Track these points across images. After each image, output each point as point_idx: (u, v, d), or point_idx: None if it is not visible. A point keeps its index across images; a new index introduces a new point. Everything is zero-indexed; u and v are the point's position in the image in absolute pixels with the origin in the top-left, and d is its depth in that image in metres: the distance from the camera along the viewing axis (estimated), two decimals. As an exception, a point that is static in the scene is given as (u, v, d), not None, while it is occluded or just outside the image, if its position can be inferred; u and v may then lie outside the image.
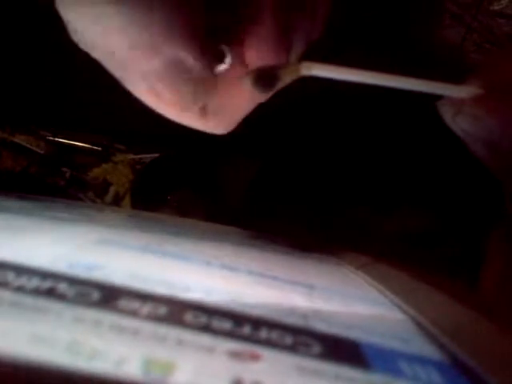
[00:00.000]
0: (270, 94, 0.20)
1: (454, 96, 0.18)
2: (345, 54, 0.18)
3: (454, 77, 0.19)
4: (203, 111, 0.21)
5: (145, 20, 0.17)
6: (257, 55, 0.19)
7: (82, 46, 0.19)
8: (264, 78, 0.18)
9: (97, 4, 0.16)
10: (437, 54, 0.37)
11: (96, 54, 0.19)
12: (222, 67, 0.19)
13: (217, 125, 0.22)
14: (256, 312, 0.12)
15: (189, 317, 0.11)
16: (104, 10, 0.16)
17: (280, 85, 0.18)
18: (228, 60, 0.19)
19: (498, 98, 0.17)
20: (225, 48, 0.19)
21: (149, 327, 0.10)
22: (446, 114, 0.19)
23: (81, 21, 0.18)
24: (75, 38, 0.19)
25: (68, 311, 0.10)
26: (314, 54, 0.19)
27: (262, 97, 0.21)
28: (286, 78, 0.18)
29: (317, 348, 0.11)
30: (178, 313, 0.11)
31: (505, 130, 0.17)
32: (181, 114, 0.21)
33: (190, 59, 0.18)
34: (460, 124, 0.19)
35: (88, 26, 0.18)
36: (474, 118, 0.18)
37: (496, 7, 0.39)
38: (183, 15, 0.17)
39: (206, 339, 0.10)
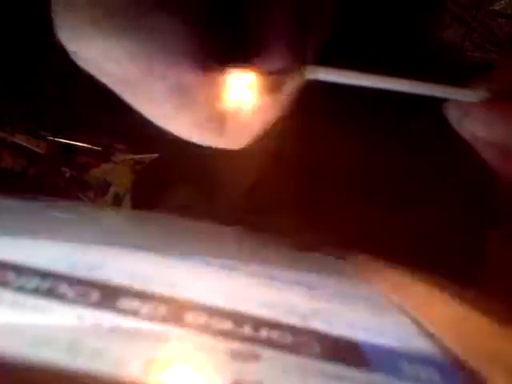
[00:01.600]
0: (287, 105, 0.20)
1: (463, 100, 0.18)
2: (345, 56, 0.18)
3: (456, 77, 0.18)
4: (220, 130, 0.21)
5: (147, 47, 0.17)
6: (273, 60, 0.19)
7: (91, 72, 0.19)
8: (269, 82, 0.18)
9: (103, 35, 0.17)
10: (437, 54, 0.37)
11: (106, 81, 0.19)
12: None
13: (235, 142, 0.22)
14: (256, 312, 0.12)
15: (189, 317, 0.11)
16: (110, 41, 0.17)
17: (286, 90, 0.18)
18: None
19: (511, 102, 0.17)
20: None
21: (149, 327, 0.10)
22: (453, 116, 0.19)
23: (88, 52, 0.18)
24: (81, 64, 0.19)
25: (68, 311, 0.10)
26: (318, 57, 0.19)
27: (280, 110, 0.21)
28: (291, 83, 0.18)
29: (317, 348, 0.11)
30: (178, 313, 0.11)
31: None
32: (197, 135, 0.21)
33: (194, 83, 0.18)
34: (468, 127, 0.18)
35: (95, 57, 0.18)
36: (483, 123, 0.18)
37: (496, 7, 0.39)
38: (184, 39, 0.17)
39: (206, 339, 0.10)
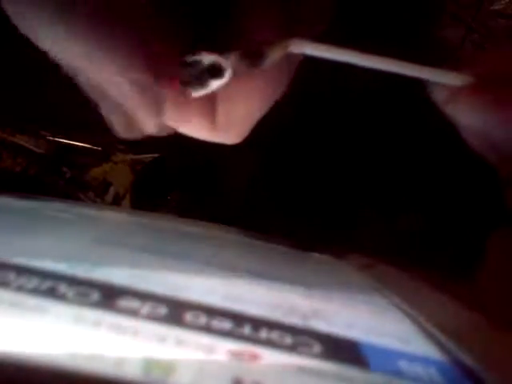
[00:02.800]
0: (281, 90, 0.20)
1: (448, 83, 0.18)
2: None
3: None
4: (211, 124, 0.20)
5: (104, 45, 0.16)
6: (253, 39, 0.18)
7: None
8: (250, 55, 0.17)
9: (59, 33, 0.16)
10: (436, 53, 0.37)
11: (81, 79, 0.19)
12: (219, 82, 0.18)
13: (229, 134, 0.21)
14: (256, 312, 0.12)
15: (189, 317, 0.11)
16: (68, 39, 0.16)
17: (268, 62, 0.17)
18: (227, 73, 0.18)
19: (497, 89, 0.17)
20: (222, 59, 0.18)
21: (149, 327, 0.10)
22: (439, 100, 0.18)
23: (55, 48, 0.17)
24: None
25: (68, 311, 0.10)
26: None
27: (273, 96, 0.20)
28: (274, 55, 0.17)
29: (317, 348, 0.11)
30: (178, 313, 0.11)
31: (503, 125, 0.17)
32: (188, 130, 0.21)
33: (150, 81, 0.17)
34: (454, 113, 0.18)
35: (60, 53, 0.17)
36: (465, 109, 0.18)
37: (496, 7, 0.39)
38: (148, 38, 0.17)
39: (206, 339, 0.10)
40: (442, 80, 0.18)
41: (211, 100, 0.19)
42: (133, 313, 0.10)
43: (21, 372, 0.07)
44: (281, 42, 0.17)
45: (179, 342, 0.09)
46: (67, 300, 0.10)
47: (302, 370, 0.09)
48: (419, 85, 0.18)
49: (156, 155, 0.44)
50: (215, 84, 0.17)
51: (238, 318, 0.11)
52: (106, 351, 0.08)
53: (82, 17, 0.15)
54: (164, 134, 0.20)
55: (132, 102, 0.18)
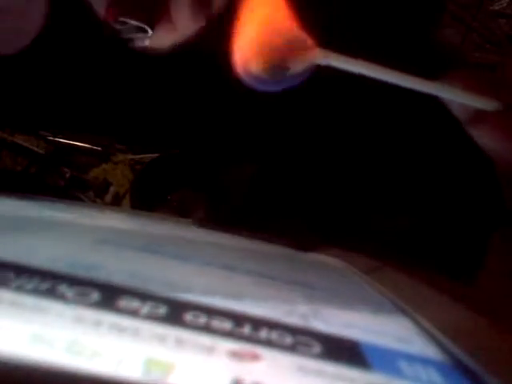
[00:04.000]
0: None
1: (476, 106, 0.18)
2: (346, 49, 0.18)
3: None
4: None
5: None
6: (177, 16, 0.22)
7: None
8: (276, 69, 0.18)
9: None
10: (437, 54, 0.37)
11: None
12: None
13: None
14: (256, 312, 0.12)
15: (189, 317, 0.11)
16: None
17: (294, 71, 0.18)
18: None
19: None
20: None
21: (149, 327, 0.10)
22: (462, 119, 0.18)
23: None
24: None
25: (68, 311, 0.10)
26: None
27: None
28: (299, 65, 0.18)
29: (317, 348, 0.11)
30: (178, 313, 0.11)
31: None
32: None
33: None
34: (477, 134, 0.18)
35: None
36: (493, 135, 0.18)
37: (496, 7, 0.39)
38: None
39: (206, 339, 0.10)
40: (470, 103, 0.18)
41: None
42: (133, 313, 0.10)
43: (21, 372, 0.07)
44: (307, 50, 0.18)
45: (179, 342, 0.09)
46: (67, 300, 0.10)
47: (302, 369, 0.09)
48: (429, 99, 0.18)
49: (156, 155, 0.44)
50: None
51: (238, 318, 0.11)
52: (106, 351, 0.08)
53: None
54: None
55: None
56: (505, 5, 0.39)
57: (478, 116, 0.18)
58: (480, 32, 0.39)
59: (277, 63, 0.18)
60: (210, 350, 0.09)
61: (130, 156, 0.44)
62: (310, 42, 0.18)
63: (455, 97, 0.18)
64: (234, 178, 0.41)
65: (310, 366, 0.10)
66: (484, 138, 0.18)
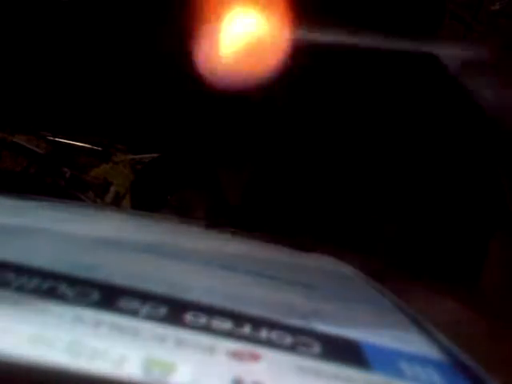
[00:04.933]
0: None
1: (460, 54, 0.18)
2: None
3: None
4: None
5: None
6: None
7: None
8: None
9: None
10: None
11: None
12: None
13: None
14: (256, 312, 0.12)
15: (189, 317, 0.11)
16: None
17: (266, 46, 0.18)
18: None
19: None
20: None
21: (149, 327, 0.10)
22: (452, 69, 0.18)
23: None
24: None
25: (68, 311, 0.10)
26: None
27: None
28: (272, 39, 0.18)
29: (317, 348, 0.11)
30: (177, 313, 0.11)
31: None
32: None
33: None
34: (466, 81, 0.18)
35: None
36: (493, 82, 0.17)
37: (496, 7, 0.39)
38: None
39: (206, 339, 0.10)
40: (453, 51, 0.18)
41: None
42: (133, 313, 0.10)
43: (21, 372, 0.07)
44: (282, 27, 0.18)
45: (179, 342, 0.09)
46: (67, 300, 0.10)
47: (302, 369, 0.09)
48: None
49: (156, 155, 0.44)
50: None
51: (238, 318, 0.11)
52: (106, 351, 0.08)
53: None
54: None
55: None
56: (505, 5, 0.39)
57: (475, 65, 0.18)
58: (480, 32, 0.39)
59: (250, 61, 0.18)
60: (210, 350, 0.09)
61: (130, 156, 0.44)
62: (286, 20, 0.17)
63: (447, 49, 0.18)
64: (233, 178, 0.41)
65: (310, 365, 0.10)
66: (483, 87, 0.18)
